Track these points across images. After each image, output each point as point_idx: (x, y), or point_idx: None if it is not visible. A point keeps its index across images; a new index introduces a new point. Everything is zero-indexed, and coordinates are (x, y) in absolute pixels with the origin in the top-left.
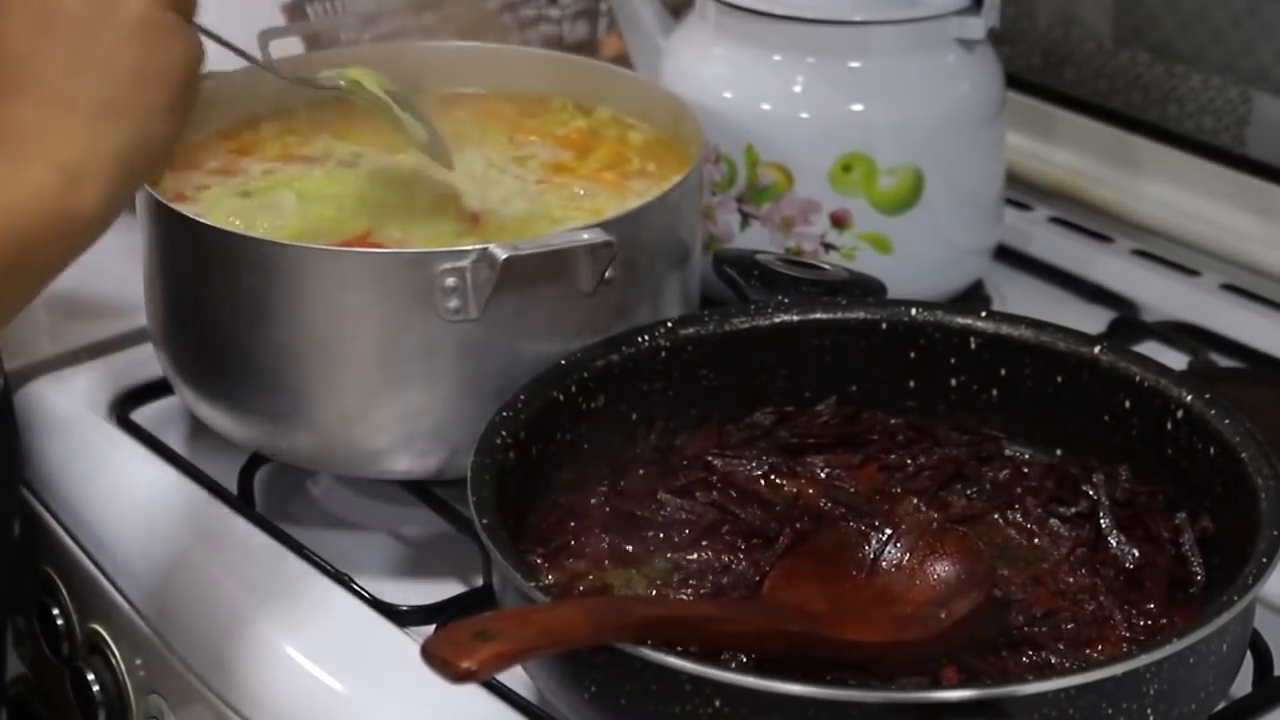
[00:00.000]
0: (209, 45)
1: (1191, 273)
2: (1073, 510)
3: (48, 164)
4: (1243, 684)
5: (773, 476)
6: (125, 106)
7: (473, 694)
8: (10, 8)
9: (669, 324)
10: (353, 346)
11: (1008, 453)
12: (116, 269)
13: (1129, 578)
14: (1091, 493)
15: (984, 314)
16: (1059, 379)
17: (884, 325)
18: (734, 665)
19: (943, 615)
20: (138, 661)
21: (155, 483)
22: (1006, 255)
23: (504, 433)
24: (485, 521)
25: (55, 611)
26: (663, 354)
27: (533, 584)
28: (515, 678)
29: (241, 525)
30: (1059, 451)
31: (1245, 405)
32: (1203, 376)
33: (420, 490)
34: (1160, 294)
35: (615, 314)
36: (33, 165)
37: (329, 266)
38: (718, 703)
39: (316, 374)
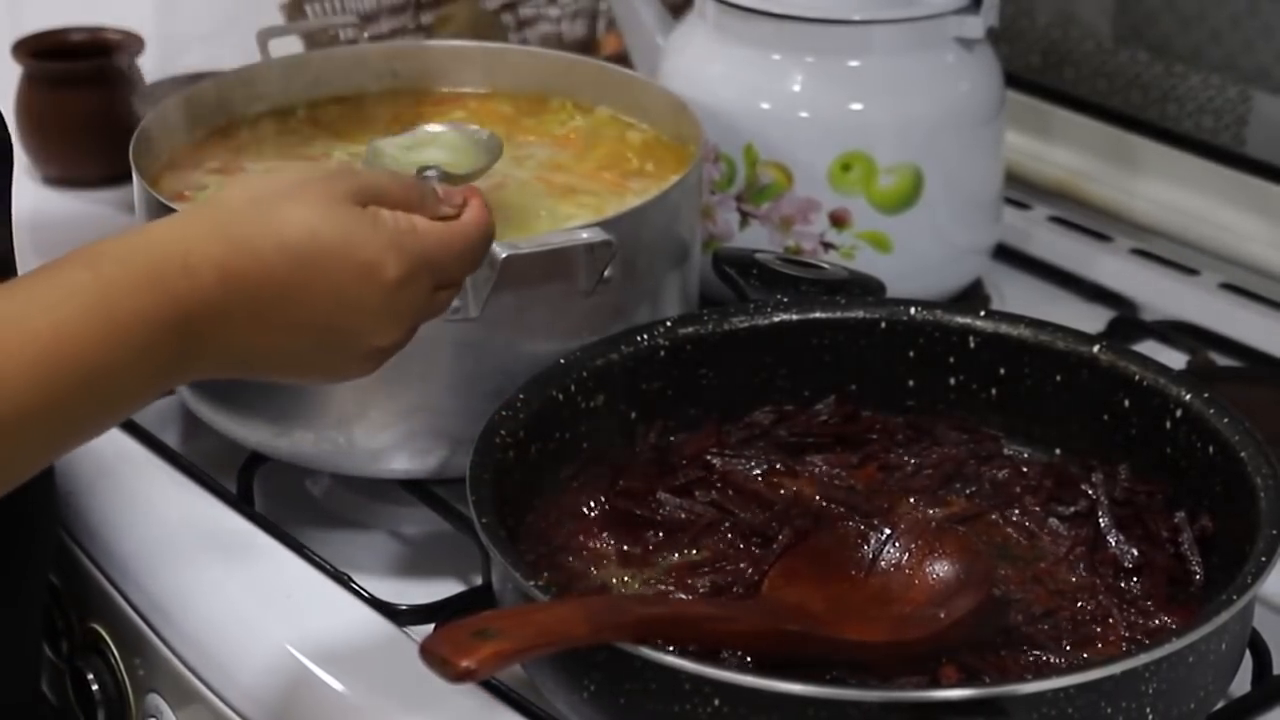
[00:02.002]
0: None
1: (1190, 272)
2: (1072, 509)
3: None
4: (1242, 683)
5: (772, 476)
6: (307, 369)
7: (472, 693)
8: (332, 266)
9: (668, 323)
10: None
11: (1007, 452)
12: None
13: (1128, 577)
14: (1090, 492)
15: (983, 313)
16: (1058, 378)
17: (883, 324)
18: (733, 665)
19: (942, 615)
20: (137, 660)
21: (154, 482)
22: (1006, 254)
23: (503, 432)
24: (484, 520)
25: (55, 610)
26: (662, 353)
27: (532, 583)
28: (514, 677)
29: (241, 524)
30: (1058, 451)
31: (1244, 404)
32: (1202, 376)
33: (419, 489)
34: (1159, 293)
35: (614, 313)
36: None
37: None
38: (717, 702)
39: None
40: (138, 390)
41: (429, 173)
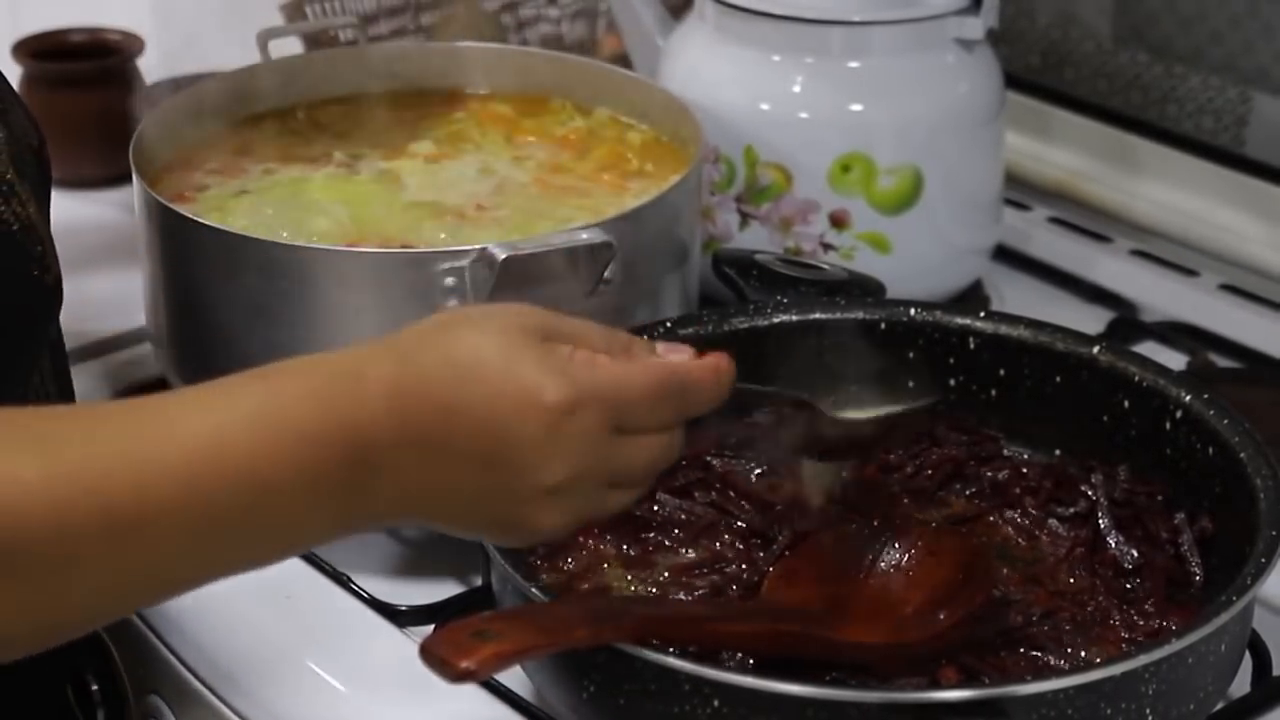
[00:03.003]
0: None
1: (1190, 273)
2: (1071, 510)
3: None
4: (1241, 684)
5: (771, 477)
6: (480, 514)
7: (471, 694)
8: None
9: (668, 324)
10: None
11: (1006, 453)
12: (116, 269)
13: (1128, 578)
14: (1090, 493)
15: (983, 314)
16: (1058, 379)
17: (883, 325)
18: (733, 665)
19: (941, 616)
20: (136, 661)
21: None
22: (1005, 255)
23: None
24: None
25: None
26: None
27: (531, 584)
28: (514, 677)
29: None
30: (1058, 451)
31: (1244, 405)
32: (1201, 377)
33: None
34: (1159, 294)
35: (614, 314)
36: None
37: (328, 266)
38: (716, 703)
39: None
40: (304, 516)
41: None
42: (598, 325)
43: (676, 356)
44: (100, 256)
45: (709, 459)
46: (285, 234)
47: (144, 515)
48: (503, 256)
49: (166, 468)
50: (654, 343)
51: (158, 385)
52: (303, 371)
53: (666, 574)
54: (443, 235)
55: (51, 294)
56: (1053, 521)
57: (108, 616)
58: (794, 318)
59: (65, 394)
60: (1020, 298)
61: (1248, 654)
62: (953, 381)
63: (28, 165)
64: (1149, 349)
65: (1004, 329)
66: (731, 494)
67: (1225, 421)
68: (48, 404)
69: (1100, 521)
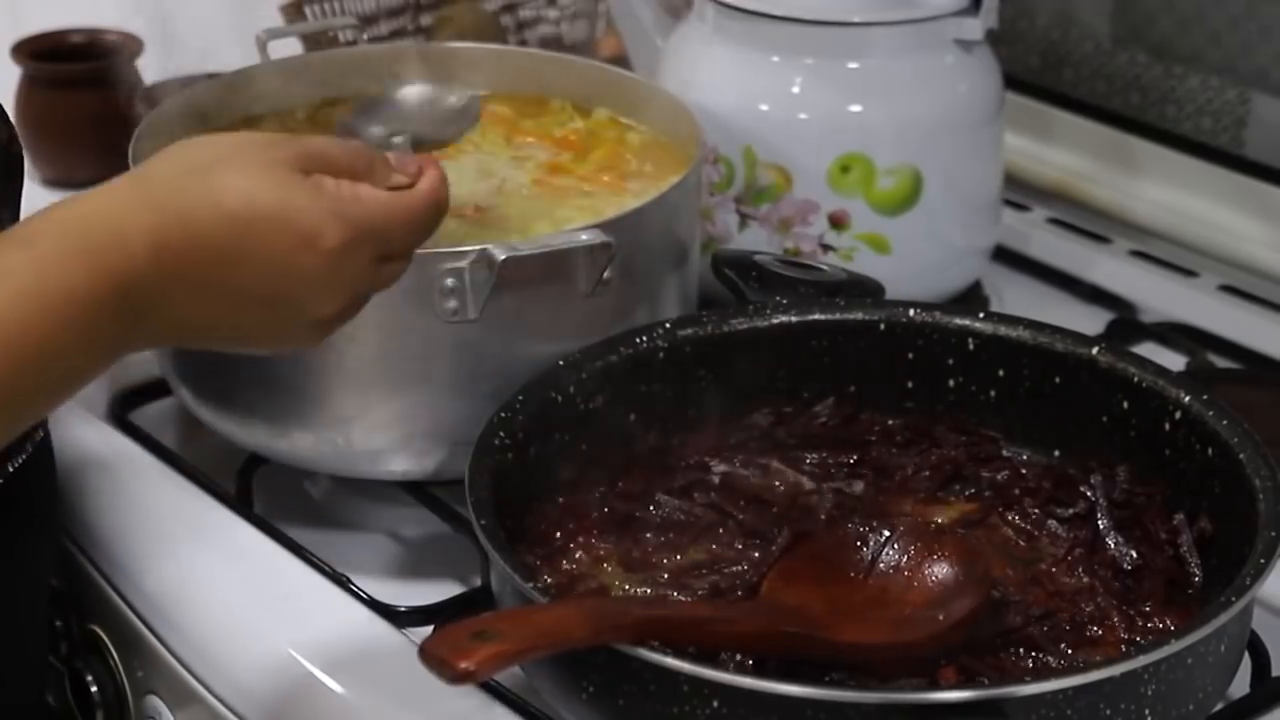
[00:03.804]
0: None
1: (1189, 273)
2: (1071, 511)
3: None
4: (1240, 685)
5: (770, 478)
6: (250, 339)
7: (470, 695)
8: (276, 230)
9: (667, 325)
10: (351, 347)
11: (1006, 454)
12: None
13: (1127, 578)
14: (1089, 494)
15: (982, 315)
16: (1057, 380)
17: (882, 326)
18: (732, 666)
19: (941, 617)
20: (136, 662)
21: (153, 483)
22: (1004, 256)
23: (502, 433)
24: (483, 522)
25: (54, 612)
26: (661, 355)
27: (531, 585)
28: (513, 678)
29: (239, 526)
30: (1057, 452)
31: (1243, 406)
32: (1200, 377)
33: (418, 491)
34: (1158, 295)
35: (613, 315)
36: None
37: None
38: (715, 703)
39: (315, 374)
40: (79, 367)
41: (396, 139)
42: (335, 141)
43: (424, 183)
44: None
45: (708, 460)
46: None
47: None
48: (502, 257)
49: None
50: (385, 154)
51: (157, 385)
52: (62, 236)
53: (666, 575)
54: (441, 236)
55: None
56: (1052, 522)
57: None
58: (793, 319)
59: None
60: (1019, 298)
61: (1247, 655)
62: (952, 382)
63: None
64: (1148, 350)
65: (1003, 330)
66: (731, 495)
67: (1224, 422)
68: None
69: (1099, 522)
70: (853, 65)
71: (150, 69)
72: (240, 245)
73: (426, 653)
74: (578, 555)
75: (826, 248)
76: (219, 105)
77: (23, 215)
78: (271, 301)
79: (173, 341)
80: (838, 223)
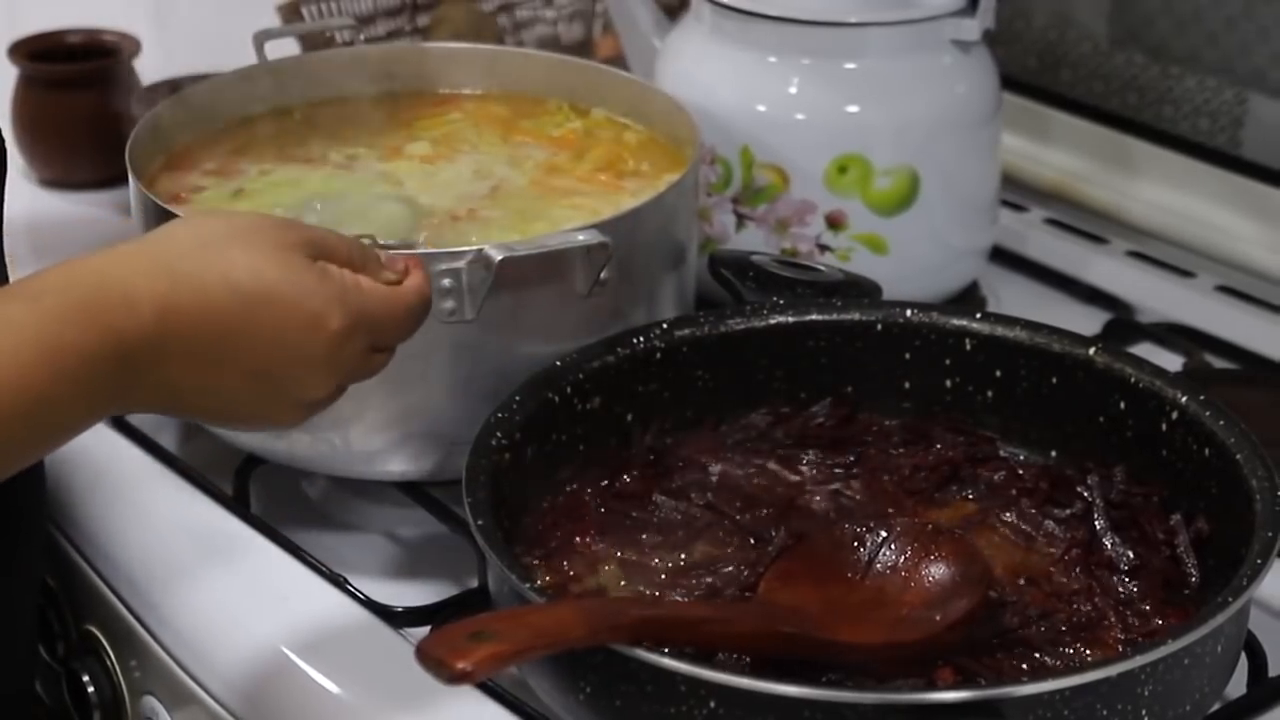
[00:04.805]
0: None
1: (1186, 274)
2: (1068, 511)
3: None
4: (1238, 685)
5: (768, 478)
6: (236, 412)
7: (468, 695)
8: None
9: (664, 325)
10: None
11: (1003, 454)
12: None
13: (1124, 579)
14: (1086, 494)
15: (979, 315)
16: (1054, 380)
17: (879, 326)
18: (729, 666)
19: (938, 617)
20: (132, 663)
21: (151, 484)
22: (1002, 256)
23: (499, 434)
24: (480, 523)
25: (50, 613)
26: (658, 355)
27: (528, 585)
28: (510, 679)
29: (237, 526)
30: (1054, 453)
31: (1240, 407)
32: (1197, 378)
33: (415, 491)
34: (1155, 295)
35: (611, 315)
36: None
37: None
38: (713, 704)
39: None
40: (74, 421)
41: (363, 240)
42: (335, 232)
43: (413, 281)
44: None
45: (705, 461)
46: None
47: None
48: (499, 258)
49: None
50: (378, 251)
51: None
52: (69, 292)
53: (663, 575)
54: (439, 237)
55: None
56: (1049, 523)
57: None
58: (790, 319)
59: None
60: (1016, 299)
61: (1244, 655)
62: (949, 383)
63: None
64: (1145, 350)
65: (1000, 330)
66: (728, 495)
67: (1221, 423)
68: None
69: (1096, 523)
70: (850, 66)
71: (148, 69)
72: (248, 320)
73: (423, 653)
74: (575, 556)
75: (824, 248)
76: (215, 107)
77: (8, 213)
78: (268, 378)
79: (162, 408)
80: (835, 223)
